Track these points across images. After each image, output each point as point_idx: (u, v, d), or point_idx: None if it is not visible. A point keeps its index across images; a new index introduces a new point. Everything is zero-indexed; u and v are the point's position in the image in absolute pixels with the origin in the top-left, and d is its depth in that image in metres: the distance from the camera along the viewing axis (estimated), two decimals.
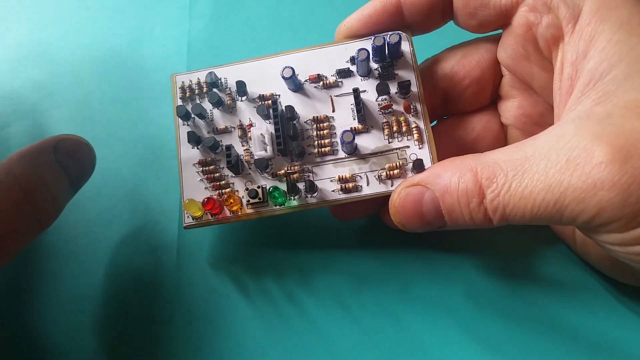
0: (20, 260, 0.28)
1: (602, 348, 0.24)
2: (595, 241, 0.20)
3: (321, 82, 0.25)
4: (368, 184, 0.24)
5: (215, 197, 0.24)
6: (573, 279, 0.26)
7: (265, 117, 0.25)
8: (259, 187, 0.24)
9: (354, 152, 0.24)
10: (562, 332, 0.25)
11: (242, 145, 0.25)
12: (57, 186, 0.23)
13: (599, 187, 0.17)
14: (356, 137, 0.24)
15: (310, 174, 0.24)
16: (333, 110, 0.25)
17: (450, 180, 0.21)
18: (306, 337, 0.26)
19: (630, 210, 0.17)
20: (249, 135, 0.25)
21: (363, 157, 0.24)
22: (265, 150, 0.24)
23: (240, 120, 0.25)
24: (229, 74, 0.26)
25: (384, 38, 0.23)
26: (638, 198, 0.17)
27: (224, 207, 0.24)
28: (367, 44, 0.25)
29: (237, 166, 0.24)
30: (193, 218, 0.24)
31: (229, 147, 0.24)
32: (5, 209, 0.21)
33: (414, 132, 0.24)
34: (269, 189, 0.23)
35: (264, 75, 0.25)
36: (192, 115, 0.25)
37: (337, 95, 0.25)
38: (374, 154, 0.24)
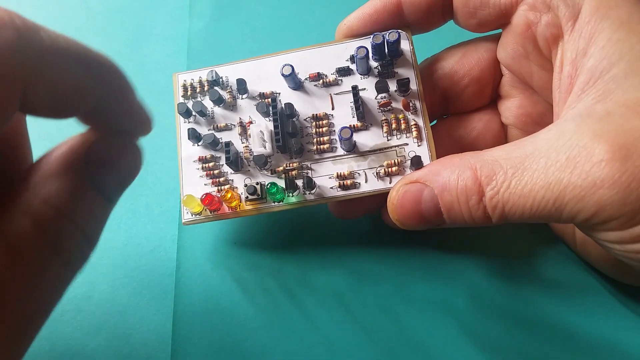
0: None
1: (602, 348, 0.24)
2: (595, 239, 0.20)
3: (321, 81, 0.25)
4: (366, 181, 0.24)
5: (214, 193, 0.24)
6: (573, 279, 0.26)
7: (265, 114, 0.25)
8: (257, 183, 0.24)
9: (352, 149, 0.24)
10: (562, 332, 0.25)
11: (242, 142, 0.25)
12: (90, 216, 0.17)
13: (599, 185, 0.17)
14: (355, 134, 0.24)
15: (309, 171, 0.24)
16: (333, 108, 0.25)
17: (449, 177, 0.21)
18: (306, 335, 0.25)
19: (629, 208, 0.17)
20: (249, 132, 0.25)
21: (362, 154, 0.24)
22: (264, 147, 0.24)
23: (240, 118, 0.25)
24: (230, 73, 0.26)
25: (383, 36, 0.23)
26: (638, 196, 0.17)
27: (223, 203, 0.24)
28: (367, 42, 0.25)
29: (236, 163, 0.24)
30: (192, 214, 0.24)
31: (228, 144, 0.24)
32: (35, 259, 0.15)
33: (413, 129, 0.24)
34: (267, 185, 0.23)
35: (264, 74, 0.25)
36: (193, 113, 0.25)
37: (336, 94, 0.25)
38: (373, 151, 0.24)
